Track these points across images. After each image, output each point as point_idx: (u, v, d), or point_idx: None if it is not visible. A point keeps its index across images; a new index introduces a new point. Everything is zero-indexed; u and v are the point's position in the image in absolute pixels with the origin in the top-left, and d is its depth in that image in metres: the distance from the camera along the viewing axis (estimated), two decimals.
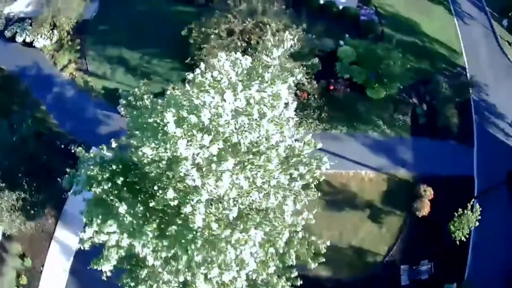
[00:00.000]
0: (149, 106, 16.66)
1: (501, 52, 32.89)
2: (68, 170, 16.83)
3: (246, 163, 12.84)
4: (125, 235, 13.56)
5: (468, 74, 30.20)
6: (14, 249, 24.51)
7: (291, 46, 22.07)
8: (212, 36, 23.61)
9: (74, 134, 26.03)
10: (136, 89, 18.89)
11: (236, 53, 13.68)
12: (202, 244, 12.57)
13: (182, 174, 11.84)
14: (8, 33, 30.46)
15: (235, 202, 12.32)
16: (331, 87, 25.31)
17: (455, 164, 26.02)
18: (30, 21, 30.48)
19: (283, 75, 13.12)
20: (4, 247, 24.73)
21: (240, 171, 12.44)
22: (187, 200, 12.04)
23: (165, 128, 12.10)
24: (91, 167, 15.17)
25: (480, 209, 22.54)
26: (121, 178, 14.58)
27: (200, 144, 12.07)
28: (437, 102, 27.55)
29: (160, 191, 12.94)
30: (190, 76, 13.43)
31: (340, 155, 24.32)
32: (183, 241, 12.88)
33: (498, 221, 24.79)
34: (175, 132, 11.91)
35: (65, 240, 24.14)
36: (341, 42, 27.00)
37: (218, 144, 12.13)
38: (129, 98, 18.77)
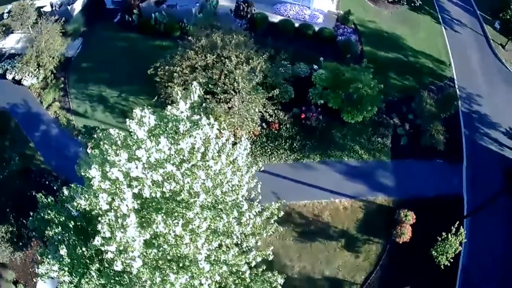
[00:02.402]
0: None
1: (494, 56, 31.93)
2: (31, 213, 18.39)
3: (170, 213, 13.59)
4: (67, 274, 14.97)
5: (456, 86, 29.35)
6: (8, 276, 26.52)
7: (256, 76, 22.53)
8: (175, 74, 24.04)
9: (58, 171, 27.34)
10: (95, 135, 19.83)
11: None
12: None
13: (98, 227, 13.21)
14: None
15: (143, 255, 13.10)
16: (303, 115, 25.37)
17: (441, 184, 25.34)
18: (19, 58, 32.65)
19: (190, 128, 13.61)
20: (0, 274, 27.04)
21: (159, 223, 13.14)
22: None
23: (92, 181, 13.49)
24: (49, 211, 16.75)
25: (465, 232, 21.97)
26: (72, 222, 16.05)
27: (120, 198, 13.24)
28: (421, 120, 26.96)
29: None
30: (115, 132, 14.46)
31: (312, 184, 24.44)
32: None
33: (491, 238, 24.01)
34: (100, 186, 13.24)
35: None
36: (315, 67, 26.95)
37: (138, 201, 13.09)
38: (88, 144, 19.76)
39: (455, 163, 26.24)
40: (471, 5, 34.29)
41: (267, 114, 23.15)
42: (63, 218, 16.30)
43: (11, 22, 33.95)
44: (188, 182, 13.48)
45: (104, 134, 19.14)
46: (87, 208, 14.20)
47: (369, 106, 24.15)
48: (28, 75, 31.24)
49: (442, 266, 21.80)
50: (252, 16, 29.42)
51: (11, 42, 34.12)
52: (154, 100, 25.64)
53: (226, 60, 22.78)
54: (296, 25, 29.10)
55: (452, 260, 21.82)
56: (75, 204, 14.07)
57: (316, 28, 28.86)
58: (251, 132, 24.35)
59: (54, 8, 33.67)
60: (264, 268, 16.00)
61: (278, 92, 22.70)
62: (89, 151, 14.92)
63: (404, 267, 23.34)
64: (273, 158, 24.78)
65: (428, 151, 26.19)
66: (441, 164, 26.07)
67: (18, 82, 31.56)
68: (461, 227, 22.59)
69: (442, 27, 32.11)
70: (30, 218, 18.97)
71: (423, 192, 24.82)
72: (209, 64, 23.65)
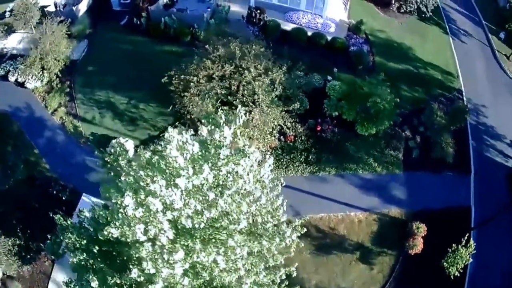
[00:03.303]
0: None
1: (499, 67, 32.70)
2: (49, 236, 17.89)
3: (207, 240, 13.44)
4: None
5: (464, 98, 29.97)
6: None
7: (275, 89, 22.42)
8: (192, 84, 23.64)
9: (65, 180, 26.65)
10: (112, 149, 19.39)
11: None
12: None
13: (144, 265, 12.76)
14: (1, 71, 31.49)
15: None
16: (318, 128, 25.47)
17: (451, 195, 26.00)
18: (22, 59, 31.47)
19: (237, 155, 13.46)
20: (7, 286, 26.36)
21: (200, 251, 12.95)
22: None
23: (125, 209, 12.93)
24: (69, 234, 16.07)
25: (475, 244, 22.63)
26: (97, 247, 15.36)
27: (159, 228, 12.84)
28: (431, 133, 27.49)
29: (129, 268, 13.64)
30: (147, 155, 14.13)
31: (329, 197, 24.69)
32: None
33: (498, 250, 24.72)
34: (134, 215, 12.77)
35: (61, 281, 25.40)
36: (329, 78, 27.00)
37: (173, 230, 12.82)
38: (106, 159, 19.15)
39: (463, 175, 26.98)
40: (477, 15, 34.91)
41: (285, 126, 23.13)
42: (85, 241, 15.62)
43: (14, 22, 32.68)
44: (231, 210, 13.32)
45: (121, 149, 18.80)
46: (119, 238, 13.54)
47: (386, 121, 24.40)
48: (32, 77, 30.21)
49: (452, 277, 22.49)
50: (264, 23, 29.13)
51: (13, 42, 32.87)
52: (169, 109, 25.24)
53: (245, 71, 22.53)
54: (309, 33, 29.02)
55: (461, 271, 22.55)
56: (105, 233, 13.36)
57: (329, 38, 28.88)
58: (267, 145, 24.31)
59: (58, 8, 32.57)
60: (287, 284, 16.07)
61: (298, 106, 22.65)
62: (122, 178, 14.37)
63: (416, 278, 23.95)
64: (289, 171, 24.87)
65: (438, 163, 26.82)
66: (450, 176, 26.72)
67: (21, 85, 30.53)
68: (472, 239, 23.42)
69: (450, 37, 32.64)
70: (48, 241, 18.57)
71: (433, 204, 25.44)
72: (226, 74, 23.33)
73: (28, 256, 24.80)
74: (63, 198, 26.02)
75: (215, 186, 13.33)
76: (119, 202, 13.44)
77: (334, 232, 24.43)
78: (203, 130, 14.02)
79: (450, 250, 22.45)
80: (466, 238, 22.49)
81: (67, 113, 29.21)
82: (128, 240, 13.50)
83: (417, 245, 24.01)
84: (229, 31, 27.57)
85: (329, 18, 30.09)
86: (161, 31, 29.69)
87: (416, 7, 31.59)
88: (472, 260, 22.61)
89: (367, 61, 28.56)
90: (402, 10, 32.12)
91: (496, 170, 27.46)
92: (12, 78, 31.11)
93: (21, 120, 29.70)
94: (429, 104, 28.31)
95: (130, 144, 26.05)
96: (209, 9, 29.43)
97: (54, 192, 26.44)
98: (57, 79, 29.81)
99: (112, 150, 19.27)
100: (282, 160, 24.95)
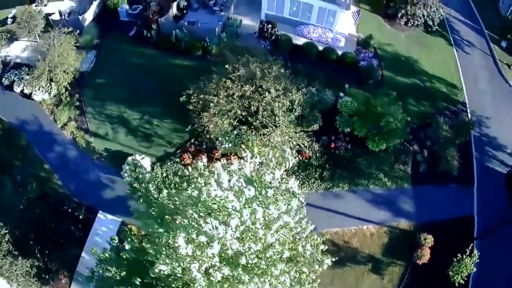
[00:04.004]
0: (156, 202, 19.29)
1: (500, 77, 35.72)
2: (87, 270, 19.90)
3: (251, 269, 15.95)
4: None
5: (468, 110, 33.04)
6: None
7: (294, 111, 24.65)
8: (212, 104, 25.52)
9: (79, 197, 28.47)
10: (141, 175, 21.41)
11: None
12: None
13: None
14: (5, 81, 32.51)
15: None
16: (332, 145, 28.06)
17: (455, 207, 29.10)
18: (26, 69, 32.49)
19: (285, 196, 15.95)
20: None
21: (249, 282, 15.46)
22: None
23: (177, 248, 15.06)
24: (108, 267, 18.16)
25: (478, 253, 25.81)
26: (139, 279, 17.27)
27: (211, 264, 15.18)
28: (437, 147, 30.45)
29: None
30: (194, 193, 16.35)
31: (342, 212, 27.54)
32: None
33: (500, 257, 27.92)
34: (187, 253, 15.02)
35: None
36: (341, 94, 29.51)
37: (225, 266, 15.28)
38: (134, 185, 21.09)
39: (467, 186, 30.06)
40: (479, 24, 37.87)
41: (303, 145, 25.51)
42: (125, 273, 17.60)
43: (17, 30, 33.68)
44: (277, 243, 15.81)
45: (151, 177, 20.95)
46: (169, 273, 15.51)
47: (397, 139, 27.21)
48: (39, 89, 31.40)
49: (456, 284, 25.76)
50: (276, 38, 31.28)
51: (16, 50, 33.95)
52: (187, 129, 27.24)
53: (266, 92, 24.56)
54: (320, 48, 31.30)
55: (466, 279, 25.85)
56: (156, 270, 15.32)
57: (339, 53, 31.26)
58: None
59: (63, 17, 33.78)
60: None
61: (317, 127, 24.98)
62: (178, 221, 16.48)
63: (423, 286, 27.17)
64: (305, 188, 27.47)
65: (443, 176, 29.83)
66: (455, 188, 29.83)
67: (27, 96, 31.93)
68: (475, 249, 26.68)
69: (454, 49, 35.58)
70: (87, 275, 20.45)
71: (440, 215, 28.52)
72: (246, 94, 25.28)
73: (47, 277, 26.66)
74: (80, 217, 27.80)
75: (264, 223, 15.75)
76: (170, 242, 15.49)
77: (348, 246, 27.34)
78: (276, 173, 16.25)
79: (455, 260, 25.61)
80: (470, 248, 25.70)
81: (78, 128, 30.83)
82: (178, 275, 15.54)
83: (425, 255, 27.15)
84: (241, 44, 29.60)
85: (339, 32, 32.45)
86: (172, 44, 31.43)
87: (423, 21, 34.29)
88: (475, 269, 25.79)
89: (376, 76, 31.17)
90: (409, 24, 34.76)
91: (498, 180, 30.69)
92: (17, 89, 32.30)
93: (29, 133, 31.23)
94: (435, 118, 31.26)
95: (146, 162, 28.11)
96: (220, 23, 31.33)
97: (69, 210, 28.11)
98: (66, 92, 31.15)
99: (140, 176, 21.42)
100: (298, 177, 27.54)
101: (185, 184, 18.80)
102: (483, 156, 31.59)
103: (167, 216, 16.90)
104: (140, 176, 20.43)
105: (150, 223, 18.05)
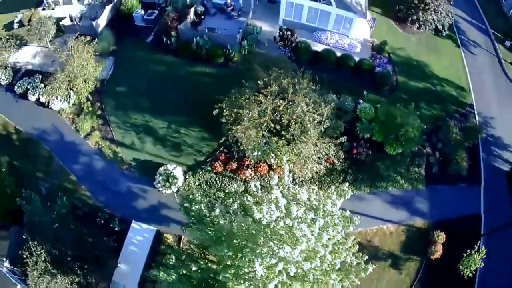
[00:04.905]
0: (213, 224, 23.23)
1: (505, 76, 40.73)
2: None
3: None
4: None
5: (475, 112, 38.03)
6: None
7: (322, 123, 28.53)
8: (245, 118, 28.80)
9: (111, 208, 31.24)
10: (191, 195, 25.17)
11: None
12: None
13: None
14: (18, 89, 34.61)
15: None
16: (354, 151, 32.47)
17: (464, 205, 34.05)
18: (40, 76, 34.56)
19: (344, 222, 20.34)
20: None
21: None
22: None
23: (254, 271, 19.28)
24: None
25: (486, 250, 31.12)
26: None
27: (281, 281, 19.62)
28: (448, 149, 35.34)
29: None
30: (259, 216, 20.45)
31: (365, 214, 32.20)
32: None
33: (506, 251, 33.15)
34: (262, 275, 19.25)
35: None
36: (360, 100, 33.76)
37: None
38: (185, 205, 24.58)
39: (474, 186, 35.15)
40: (484, 23, 42.61)
41: (331, 155, 29.62)
42: None
43: (27, 36, 35.53)
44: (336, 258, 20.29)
45: (212, 218, 24.39)
46: None
47: (414, 146, 31.89)
48: (57, 98, 33.69)
49: (465, 277, 31.17)
50: (296, 45, 34.95)
51: (26, 56, 36.00)
52: (221, 141, 30.80)
53: (298, 107, 28.27)
54: (338, 54, 35.26)
55: (474, 272, 31.25)
56: None
57: (356, 59, 35.28)
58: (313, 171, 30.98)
59: (75, 22, 35.96)
60: None
61: (345, 139, 29.05)
62: (257, 251, 20.13)
63: (436, 279, 32.47)
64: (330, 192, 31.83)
65: (454, 177, 34.81)
66: (464, 187, 34.90)
67: (44, 105, 34.05)
68: (483, 246, 32.03)
69: (461, 50, 40.35)
70: None
71: (451, 214, 33.59)
72: (277, 108, 29.00)
73: None
74: (115, 228, 30.32)
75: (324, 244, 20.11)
76: (246, 270, 19.60)
77: (370, 244, 32.19)
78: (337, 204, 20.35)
79: (464, 255, 30.84)
80: (478, 244, 30.97)
81: (103, 138, 33.48)
82: None
83: (438, 251, 32.29)
84: (263, 52, 32.89)
85: (355, 38, 36.44)
86: (192, 51, 34.26)
87: (434, 26, 38.73)
88: (483, 264, 31.06)
89: (391, 82, 35.51)
90: (421, 29, 39.14)
91: (502, 179, 35.97)
92: (32, 98, 34.50)
93: (50, 143, 33.57)
94: (445, 122, 36.08)
95: (179, 171, 31.67)
96: (240, 30, 34.56)
97: (102, 221, 30.48)
98: (88, 102, 33.53)
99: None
100: (323, 182, 31.92)
101: (236, 204, 22.61)
102: (489, 156, 36.69)
103: (235, 241, 20.77)
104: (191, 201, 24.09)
105: (220, 248, 21.57)
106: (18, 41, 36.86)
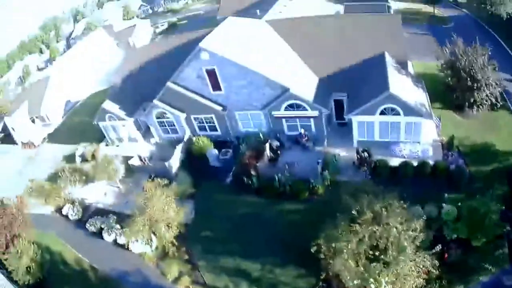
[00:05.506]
0: None
1: None
2: None
3: None
4: None
5: None
6: None
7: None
8: (345, 250, 32.76)
9: None
10: None
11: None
12: None
13: None
14: (91, 227, 36.24)
15: None
16: (446, 256, 35.33)
17: None
18: (115, 217, 35.91)
19: None
20: None
21: None
22: None
23: None
24: None
25: None
26: None
27: None
28: None
29: None
30: None
31: None
32: None
33: None
34: None
35: None
36: (443, 204, 36.66)
37: None
38: None
39: None
40: None
41: (427, 265, 32.94)
42: None
43: (95, 174, 36.47)
44: None
45: None
46: None
47: (497, 231, 36.61)
48: (137, 241, 35.14)
49: None
50: (374, 165, 37.08)
51: (95, 194, 36.83)
52: (322, 277, 33.64)
53: (394, 228, 31.18)
54: (414, 164, 39.01)
55: None
56: None
57: (431, 163, 39.24)
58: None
59: (145, 162, 37.35)
60: None
61: (439, 247, 31.67)
62: None
63: None
64: None
65: None
66: None
67: (122, 246, 35.08)
68: None
69: None
70: None
71: None
72: (373, 234, 31.65)
73: None
74: None
75: None
76: None
77: None
78: None
79: None
80: None
81: (194, 282, 36.58)
82: None
83: None
84: (346, 180, 34.83)
85: (425, 141, 38.91)
86: (275, 189, 35.95)
87: (489, 102, 41.58)
88: None
89: (466, 176, 38.62)
90: (480, 110, 42.02)
91: None
92: (108, 238, 36.20)
93: (134, 285, 36.72)
94: None
95: None
96: (320, 161, 36.55)
97: None
98: (174, 247, 35.48)
99: None
100: None
101: None
102: None
103: None
104: None
105: None
106: (84, 177, 37.96)
